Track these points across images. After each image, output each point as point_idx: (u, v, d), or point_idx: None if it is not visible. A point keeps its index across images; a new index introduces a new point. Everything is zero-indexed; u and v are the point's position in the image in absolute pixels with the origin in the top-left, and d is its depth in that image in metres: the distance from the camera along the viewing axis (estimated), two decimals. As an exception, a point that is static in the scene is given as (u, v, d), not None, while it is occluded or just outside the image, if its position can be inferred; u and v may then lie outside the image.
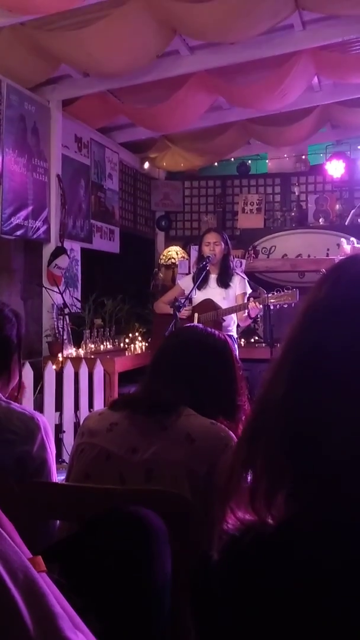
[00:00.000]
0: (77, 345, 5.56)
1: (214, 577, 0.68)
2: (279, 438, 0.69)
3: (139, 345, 6.06)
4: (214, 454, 1.47)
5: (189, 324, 1.93)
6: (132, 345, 6.02)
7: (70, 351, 5.37)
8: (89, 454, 1.54)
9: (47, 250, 5.81)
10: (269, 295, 4.56)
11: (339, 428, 0.65)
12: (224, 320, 4.51)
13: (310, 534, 0.64)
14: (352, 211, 7.55)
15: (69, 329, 5.50)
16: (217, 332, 1.79)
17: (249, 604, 0.65)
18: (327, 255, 7.00)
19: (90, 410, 4.71)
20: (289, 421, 0.69)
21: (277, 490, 0.67)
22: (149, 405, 1.56)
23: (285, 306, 4.51)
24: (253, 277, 6.12)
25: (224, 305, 4.50)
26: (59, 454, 4.37)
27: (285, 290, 4.51)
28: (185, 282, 4.85)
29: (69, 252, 5.97)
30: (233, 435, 1.55)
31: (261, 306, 4.46)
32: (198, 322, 4.50)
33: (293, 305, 4.60)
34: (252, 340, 6.48)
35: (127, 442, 1.51)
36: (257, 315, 4.73)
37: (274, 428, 0.69)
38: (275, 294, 4.52)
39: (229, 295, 4.58)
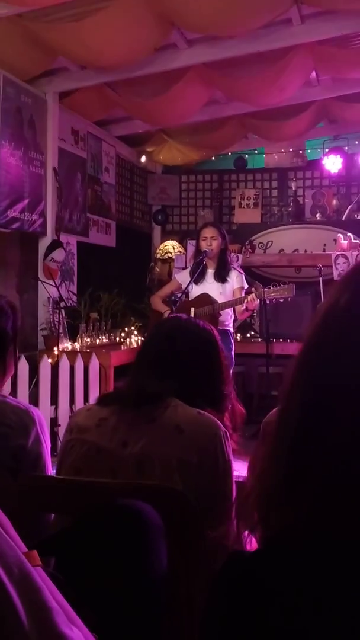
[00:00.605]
0: (73, 339, 5.55)
1: (219, 594, 0.67)
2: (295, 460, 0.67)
3: (135, 339, 6.05)
4: (204, 444, 1.48)
5: (172, 315, 1.93)
6: (128, 339, 6.02)
7: (66, 345, 5.36)
8: (79, 450, 1.54)
9: (43, 244, 5.79)
10: (266, 289, 4.57)
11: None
12: (220, 315, 4.51)
13: (299, 550, 0.64)
14: (349, 206, 7.55)
15: (65, 323, 5.49)
16: (201, 321, 1.78)
17: (249, 624, 0.64)
18: (324, 250, 7.00)
19: (85, 404, 4.70)
20: (299, 449, 0.67)
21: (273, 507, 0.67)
22: (136, 398, 1.56)
23: (282, 300, 4.52)
24: (250, 272, 6.11)
25: (220, 300, 4.50)
26: (54, 448, 4.34)
27: (282, 285, 4.52)
28: (182, 277, 4.85)
29: (65, 246, 5.96)
30: (220, 424, 1.55)
31: (257, 300, 4.47)
32: (194, 316, 4.50)
33: (289, 299, 4.61)
34: (249, 335, 6.49)
35: (116, 436, 1.51)
36: (254, 309, 4.73)
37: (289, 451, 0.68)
38: (272, 288, 4.53)
39: (226, 290, 4.58)
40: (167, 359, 1.62)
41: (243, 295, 4.56)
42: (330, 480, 0.63)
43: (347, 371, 0.65)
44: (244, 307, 4.47)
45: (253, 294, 4.39)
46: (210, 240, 4.57)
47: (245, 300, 4.40)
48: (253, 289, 4.79)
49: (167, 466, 1.43)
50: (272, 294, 4.50)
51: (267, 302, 4.63)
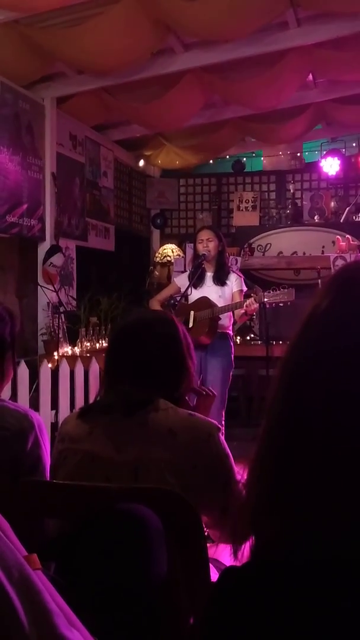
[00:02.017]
0: (73, 343, 5.55)
1: (213, 611, 0.67)
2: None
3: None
4: (198, 447, 1.47)
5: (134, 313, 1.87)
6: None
7: (66, 349, 5.36)
8: (72, 459, 1.52)
9: (42, 249, 5.80)
10: (265, 293, 4.55)
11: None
12: (220, 318, 4.51)
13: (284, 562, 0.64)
14: (347, 208, 7.56)
15: (65, 327, 5.50)
16: (157, 311, 1.75)
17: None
18: (323, 252, 7.01)
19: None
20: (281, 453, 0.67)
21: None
22: (124, 407, 1.52)
23: (281, 305, 4.50)
24: (248, 274, 6.12)
25: (220, 303, 4.50)
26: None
27: (282, 289, 4.48)
28: (180, 280, 4.84)
29: (64, 250, 5.97)
30: (213, 422, 1.54)
31: (257, 304, 4.45)
32: (194, 320, 4.50)
33: (289, 303, 4.58)
34: (248, 338, 6.49)
35: (109, 444, 1.49)
36: (253, 313, 4.72)
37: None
38: (271, 292, 4.49)
39: (225, 293, 4.58)
40: (140, 360, 1.59)
41: (242, 298, 4.55)
42: (313, 486, 0.63)
43: (327, 376, 0.66)
44: (243, 311, 4.46)
45: (252, 298, 4.37)
46: (207, 243, 4.57)
47: (245, 304, 4.39)
48: (252, 293, 4.78)
49: (163, 471, 1.42)
50: (272, 298, 4.48)
51: (267, 305, 4.61)
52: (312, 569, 0.62)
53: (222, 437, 1.53)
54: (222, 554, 1.66)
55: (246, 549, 0.73)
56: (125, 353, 1.63)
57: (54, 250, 5.77)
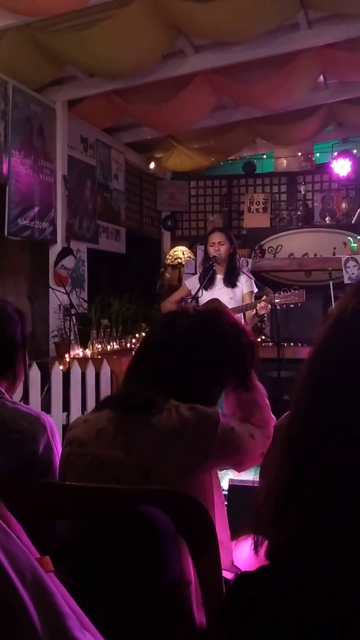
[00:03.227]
0: (84, 345, 5.57)
1: (228, 618, 0.67)
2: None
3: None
4: (205, 440, 1.47)
5: (179, 308, 1.81)
6: (139, 346, 6.02)
7: (77, 352, 5.37)
8: (80, 464, 1.51)
9: (54, 251, 5.82)
10: (276, 295, 4.55)
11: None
12: (230, 320, 4.50)
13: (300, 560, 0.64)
14: (359, 210, 7.53)
15: (76, 330, 5.51)
16: (204, 312, 1.67)
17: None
18: (334, 254, 6.98)
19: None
20: (308, 450, 0.67)
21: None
22: (129, 406, 1.52)
23: (292, 306, 4.49)
24: (260, 276, 6.11)
25: (231, 305, 4.49)
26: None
27: (292, 291, 4.48)
28: (191, 282, 4.85)
29: (75, 253, 5.98)
30: (216, 409, 1.53)
31: (269, 306, 4.45)
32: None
33: (300, 305, 4.58)
34: (259, 339, 6.47)
35: (117, 448, 1.48)
36: (264, 314, 4.72)
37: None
38: (282, 293, 4.50)
39: (236, 295, 4.58)
40: (165, 363, 1.57)
41: (253, 299, 4.55)
42: (336, 481, 0.63)
43: (354, 376, 0.66)
44: (254, 313, 4.46)
45: (264, 301, 4.37)
46: (218, 246, 4.57)
47: (256, 307, 4.39)
48: (264, 295, 4.78)
49: (174, 472, 1.42)
50: (283, 300, 4.48)
51: (278, 307, 4.61)
52: (332, 570, 0.62)
53: (222, 417, 1.53)
54: (237, 558, 1.66)
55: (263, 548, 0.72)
56: (151, 348, 1.62)
57: (65, 252, 5.80)
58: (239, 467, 1.62)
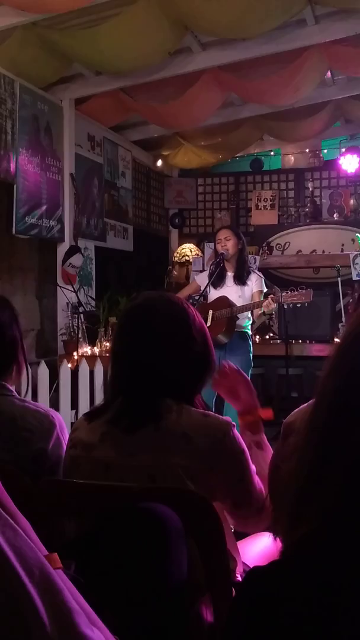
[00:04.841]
0: (92, 343, 5.58)
1: (239, 613, 0.67)
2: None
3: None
4: (214, 449, 1.44)
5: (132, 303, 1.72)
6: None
7: (85, 349, 5.39)
8: (85, 467, 1.49)
9: (62, 249, 5.83)
10: (283, 294, 4.51)
11: None
12: (239, 318, 4.50)
13: (317, 556, 0.63)
14: (367, 206, 7.51)
15: (84, 328, 5.52)
16: (166, 298, 1.60)
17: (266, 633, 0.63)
18: (342, 250, 6.96)
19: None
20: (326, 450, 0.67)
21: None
22: (134, 415, 1.47)
23: (299, 305, 4.46)
24: (267, 273, 6.10)
25: (239, 303, 4.48)
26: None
27: (299, 290, 4.44)
28: (201, 278, 4.84)
29: (83, 251, 5.99)
30: (228, 419, 1.50)
31: (273, 304, 4.43)
32: (212, 319, 4.49)
33: (307, 304, 4.54)
34: (267, 336, 6.47)
35: (122, 452, 1.45)
36: (271, 312, 4.70)
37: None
38: (289, 293, 4.46)
39: (245, 294, 4.56)
40: (149, 363, 1.50)
41: (261, 299, 4.54)
42: (354, 479, 0.63)
43: None
44: (262, 311, 4.45)
45: (269, 299, 4.35)
46: (225, 241, 4.56)
47: (263, 305, 4.38)
48: (271, 293, 4.76)
49: (180, 477, 1.40)
50: (290, 299, 4.45)
51: (285, 306, 4.59)
52: (346, 568, 0.61)
53: (236, 432, 1.49)
54: (245, 556, 1.65)
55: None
56: (129, 354, 1.54)
57: (73, 250, 5.81)
58: (235, 511, 1.52)
